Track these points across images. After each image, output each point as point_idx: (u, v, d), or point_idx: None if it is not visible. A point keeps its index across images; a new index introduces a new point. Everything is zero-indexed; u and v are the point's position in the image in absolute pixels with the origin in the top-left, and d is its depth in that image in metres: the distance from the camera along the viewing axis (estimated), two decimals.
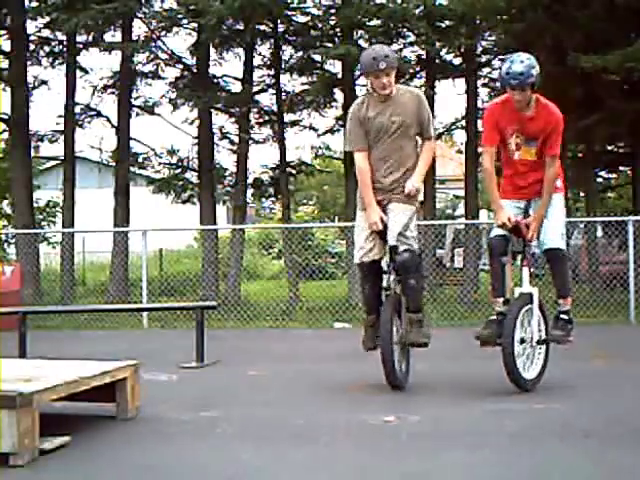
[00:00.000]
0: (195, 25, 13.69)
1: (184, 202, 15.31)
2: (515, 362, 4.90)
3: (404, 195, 5.23)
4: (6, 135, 15.81)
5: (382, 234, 5.21)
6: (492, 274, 5.27)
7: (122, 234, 13.93)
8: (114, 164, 15.29)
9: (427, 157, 5.33)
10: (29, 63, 14.53)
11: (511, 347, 4.86)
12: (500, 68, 5.01)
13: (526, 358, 5.03)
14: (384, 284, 5.25)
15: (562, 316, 5.27)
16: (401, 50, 14.28)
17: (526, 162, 5.16)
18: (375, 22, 13.24)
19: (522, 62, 4.93)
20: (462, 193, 15.57)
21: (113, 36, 14.33)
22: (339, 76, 14.07)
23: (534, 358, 5.11)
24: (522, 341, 4.98)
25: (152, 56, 14.44)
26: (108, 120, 14.91)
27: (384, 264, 5.26)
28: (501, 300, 5.18)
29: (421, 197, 5.40)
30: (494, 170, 5.13)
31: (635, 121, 13.13)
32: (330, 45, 13.53)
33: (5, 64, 14.52)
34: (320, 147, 16.98)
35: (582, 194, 20.38)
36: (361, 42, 13.75)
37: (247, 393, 5.49)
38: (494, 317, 5.15)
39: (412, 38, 13.84)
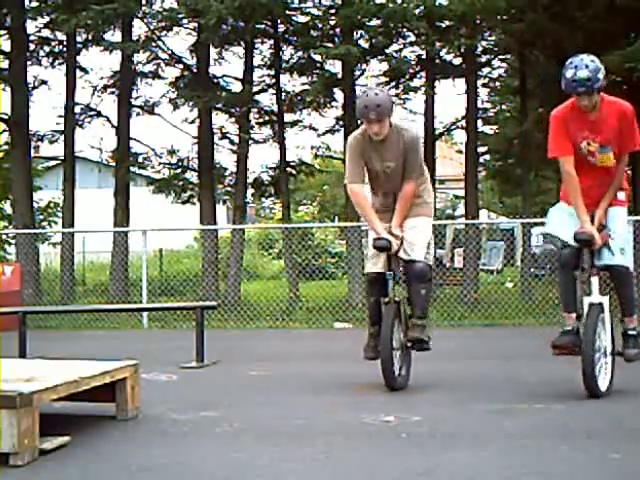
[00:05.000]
0: (195, 25, 13.70)
1: (184, 202, 15.31)
2: (594, 371, 4.77)
3: (415, 208, 5.42)
4: (6, 135, 15.80)
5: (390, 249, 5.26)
6: (563, 289, 5.06)
7: (122, 234, 13.92)
8: (114, 164, 15.28)
9: (403, 202, 5.34)
10: (29, 63, 14.53)
11: (592, 355, 4.72)
12: (564, 73, 4.77)
13: (599, 369, 4.88)
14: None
15: (630, 332, 5.08)
16: (401, 50, 14.30)
17: (602, 169, 4.96)
18: (375, 22, 13.25)
19: (587, 67, 4.70)
20: (462, 193, 15.58)
21: (113, 36, 14.35)
22: (339, 76, 14.07)
23: (604, 369, 4.95)
24: (597, 351, 4.84)
25: (152, 56, 14.44)
26: (108, 120, 14.91)
27: (388, 277, 5.31)
28: (574, 316, 4.98)
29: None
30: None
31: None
32: (330, 45, 13.53)
33: (5, 64, 14.52)
34: (320, 147, 16.98)
35: None
36: (361, 42, 13.77)
37: (247, 393, 5.49)
38: (569, 328, 4.96)
39: (412, 38, 13.85)
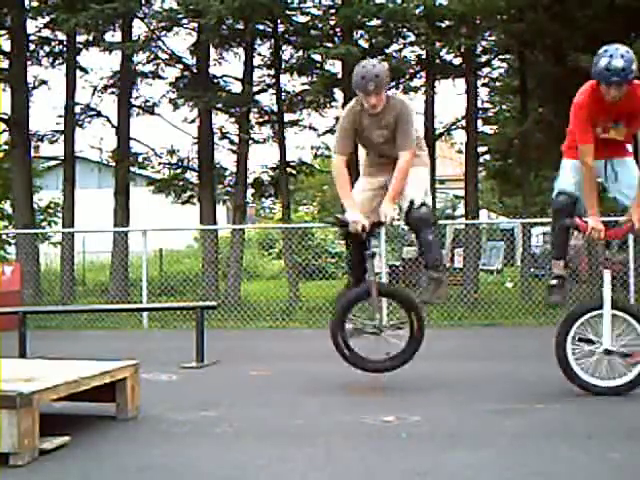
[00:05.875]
0: (195, 25, 13.70)
1: (184, 202, 15.31)
2: (567, 359, 4.89)
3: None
4: (6, 135, 15.80)
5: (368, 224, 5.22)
6: (554, 235, 5.18)
7: (122, 234, 13.93)
8: (114, 164, 15.29)
9: (400, 174, 5.18)
10: (29, 63, 14.53)
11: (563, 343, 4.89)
12: (596, 61, 4.70)
13: (596, 364, 4.89)
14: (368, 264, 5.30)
15: None
16: (401, 50, 14.30)
17: (612, 139, 5.00)
18: (375, 22, 13.25)
19: (622, 56, 4.63)
20: (462, 193, 15.57)
21: (113, 36, 14.35)
22: (339, 76, 14.07)
23: (612, 367, 4.92)
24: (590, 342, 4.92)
25: (152, 56, 14.44)
26: (108, 120, 14.91)
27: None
28: (562, 263, 5.11)
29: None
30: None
31: None
32: (330, 45, 13.53)
33: (5, 64, 14.52)
34: (320, 147, 16.97)
35: None
36: (361, 42, 13.77)
37: (247, 393, 5.49)
38: (554, 282, 5.08)
39: (412, 38, 13.85)
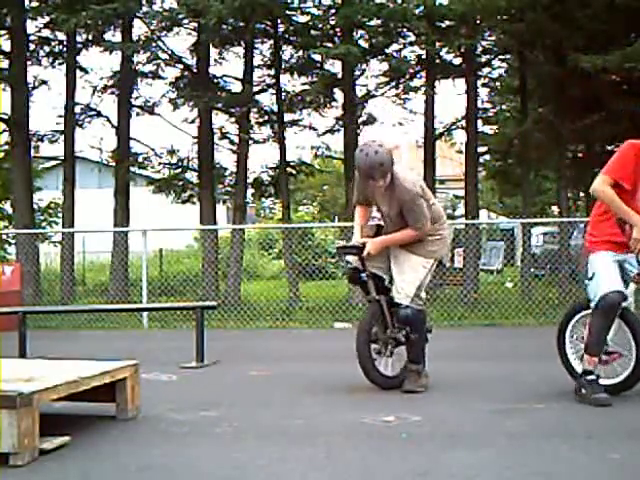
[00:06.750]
0: (195, 25, 13.69)
1: (184, 202, 15.32)
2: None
3: (419, 245, 5.33)
4: (6, 135, 15.80)
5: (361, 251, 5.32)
6: (603, 331, 4.76)
7: (122, 234, 13.93)
8: (114, 164, 15.29)
9: (402, 234, 5.28)
10: (29, 63, 14.52)
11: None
12: None
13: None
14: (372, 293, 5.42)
15: None
16: (401, 50, 14.29)
17: None
18: (375, 22, 13.24)
19: None
20: (462, 193, 15.57)
21: (113, 36, 14.34)
22: (339, 76, 14.07)
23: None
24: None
25: (152, 56, 14.42)
26: (108, 120, 14.90)
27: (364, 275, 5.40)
28: (597, 360, 4.79)
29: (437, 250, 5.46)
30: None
31: (635, 121, 13.14)
32: (330, 45, 13.53)
33: (5, 64, 14.52)
34: (320, 147, 16.97)
35: (582, 194, 20.41)
36: (361, 42, 13.77)
37: (247, 393, 5.49)
38: (592, 377, 4.73)
39: (412, 38, 13.84)
